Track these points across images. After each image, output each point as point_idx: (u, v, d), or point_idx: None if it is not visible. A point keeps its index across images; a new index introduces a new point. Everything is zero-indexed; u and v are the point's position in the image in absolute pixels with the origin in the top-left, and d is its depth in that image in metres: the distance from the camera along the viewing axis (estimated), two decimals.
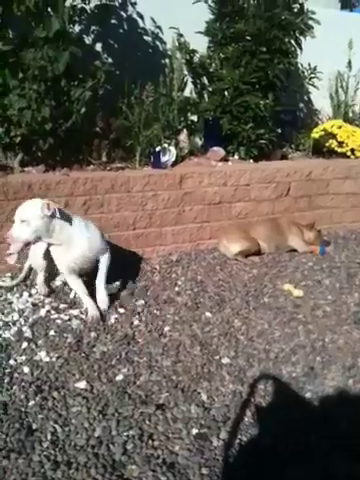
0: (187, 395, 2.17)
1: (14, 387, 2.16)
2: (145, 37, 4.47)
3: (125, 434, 1.94)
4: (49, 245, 2.70)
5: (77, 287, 2.80)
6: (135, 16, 4.38)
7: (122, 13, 4.32)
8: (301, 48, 4.33)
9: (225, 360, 2.43)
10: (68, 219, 2.64)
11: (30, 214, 2.52)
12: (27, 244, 2.56)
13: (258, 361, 2.43)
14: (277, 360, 2.45)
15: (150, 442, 1.91)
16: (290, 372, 2.36)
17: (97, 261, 2.83)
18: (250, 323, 2.78)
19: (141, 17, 4.40)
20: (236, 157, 4.29)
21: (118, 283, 3.10)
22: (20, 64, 3.27)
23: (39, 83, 3.24)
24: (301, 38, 4.28)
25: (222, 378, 2.29)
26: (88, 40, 4.12)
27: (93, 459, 1.80)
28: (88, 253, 2.73)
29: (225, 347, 2.53)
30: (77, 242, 2.67)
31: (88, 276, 2.86)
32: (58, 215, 2.56)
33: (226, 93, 4.21)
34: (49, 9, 3.36)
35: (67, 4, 3.37)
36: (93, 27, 4.10)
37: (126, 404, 2.09)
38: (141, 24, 4.42)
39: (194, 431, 1.96)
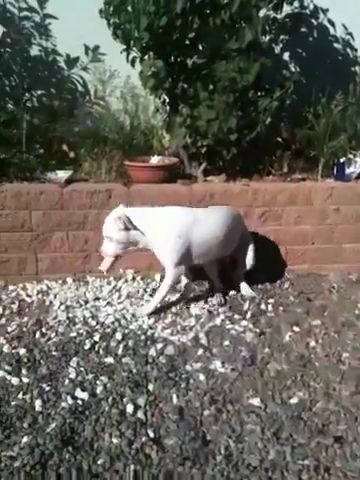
0: None
1: (190, 393, 2.20)
2: (335, 44, 4.28)
3: (300, 462, 1.84)
4: None
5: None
6: (326, 23, 4.23)
7: (312, 21, 4.20)
8: None
9: None
10: (144, 225, 2.70)
11: (109, 230, 2.70)
12: (117, 257, 2.76)
13: None
14: None
15: (326, 476, 1.78)
16: None
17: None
18: None
19: (332, 24, 4.23)
20: None
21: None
22: (211, 76, 3.37)
23: (228, 94, 3.30)
24: None
25: None
26: (276, 50, 4.08)
27: None
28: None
29: None
30: (152, 247, 2.78)
31: None
32: (130, 227, 2.65)
33: None
34: (242, 21, 3.40)
35: (261, 14, 3.37)
36: (282, 36, 4.05)
37: (301, 431, 2.00)
38: (331, 31, 4.25)
39: None
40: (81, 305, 2.95)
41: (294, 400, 2.17)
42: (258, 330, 2.70)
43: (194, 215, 2.79)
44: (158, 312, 2.87)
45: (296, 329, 2.72)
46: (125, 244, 2.72)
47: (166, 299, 2.98)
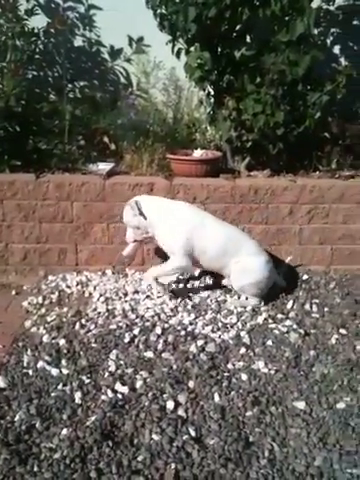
0: None
1: (232, 393, 2.13)
2: None
3: (349, 471, 1.75)
4: None
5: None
6: None
7: None
8: None
9: None
10: (152, 213, 2.83)
11: (125, 216, 2.89)
12: (135, 241, 2.93)
13: None
14: None
15: None
16: None
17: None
18: None
19: None
20: None
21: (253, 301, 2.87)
22: (259, 68, 3.28)
23: (276, 88, 3.21)
24: None
25: None
26: (327, 42, 3.95)
27: None
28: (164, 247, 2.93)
29: None
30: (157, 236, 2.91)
31: None
32: (145, 213, 2.80)
33: None
34: (293, 12, 3.29)
35: (313, 6, 3.26)
36: (333, 29, 3.91)
37: (349, 437, 1.90)
38: None
39: None
40: (120, 297, 2.91)
41: (341, 405, 2.07)
42: (302, 331, 2.60)
43: (201, 218, 2.86)
44: (198, 308, 2.81)
45: (343, 331, 2.60)
46: (142, 230, 2.88)
47: (205, 297, 2.94)
